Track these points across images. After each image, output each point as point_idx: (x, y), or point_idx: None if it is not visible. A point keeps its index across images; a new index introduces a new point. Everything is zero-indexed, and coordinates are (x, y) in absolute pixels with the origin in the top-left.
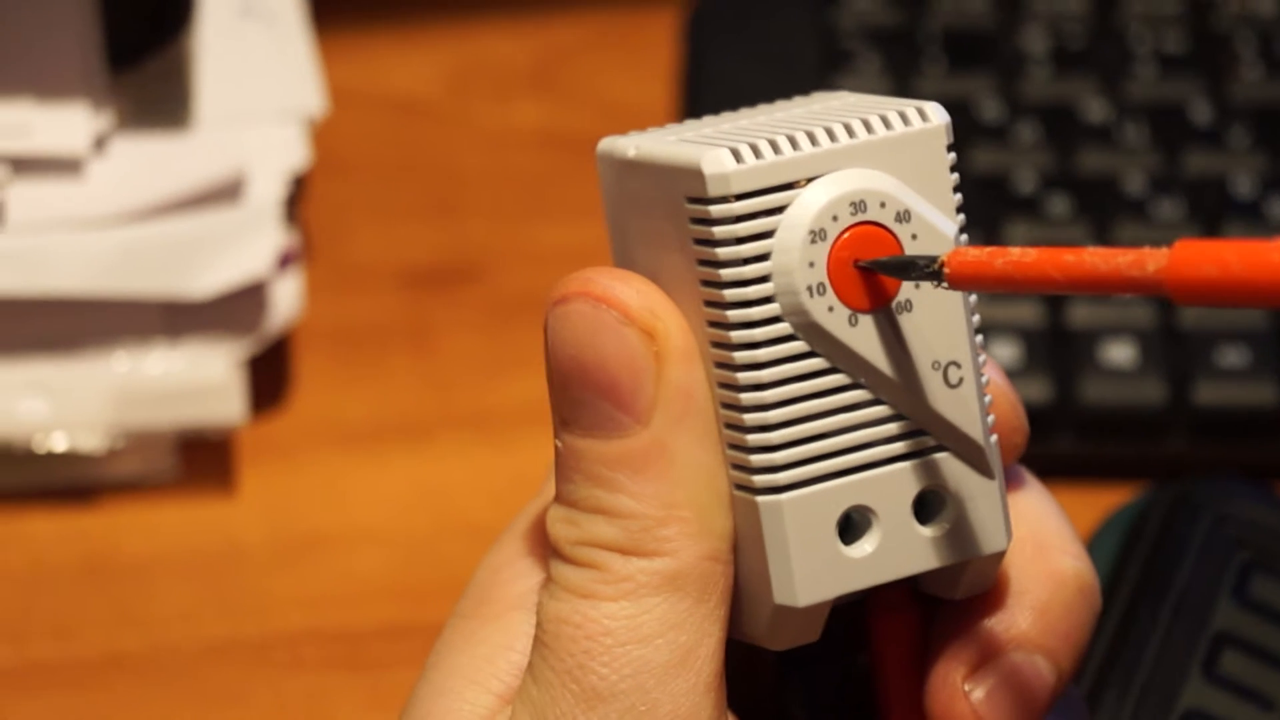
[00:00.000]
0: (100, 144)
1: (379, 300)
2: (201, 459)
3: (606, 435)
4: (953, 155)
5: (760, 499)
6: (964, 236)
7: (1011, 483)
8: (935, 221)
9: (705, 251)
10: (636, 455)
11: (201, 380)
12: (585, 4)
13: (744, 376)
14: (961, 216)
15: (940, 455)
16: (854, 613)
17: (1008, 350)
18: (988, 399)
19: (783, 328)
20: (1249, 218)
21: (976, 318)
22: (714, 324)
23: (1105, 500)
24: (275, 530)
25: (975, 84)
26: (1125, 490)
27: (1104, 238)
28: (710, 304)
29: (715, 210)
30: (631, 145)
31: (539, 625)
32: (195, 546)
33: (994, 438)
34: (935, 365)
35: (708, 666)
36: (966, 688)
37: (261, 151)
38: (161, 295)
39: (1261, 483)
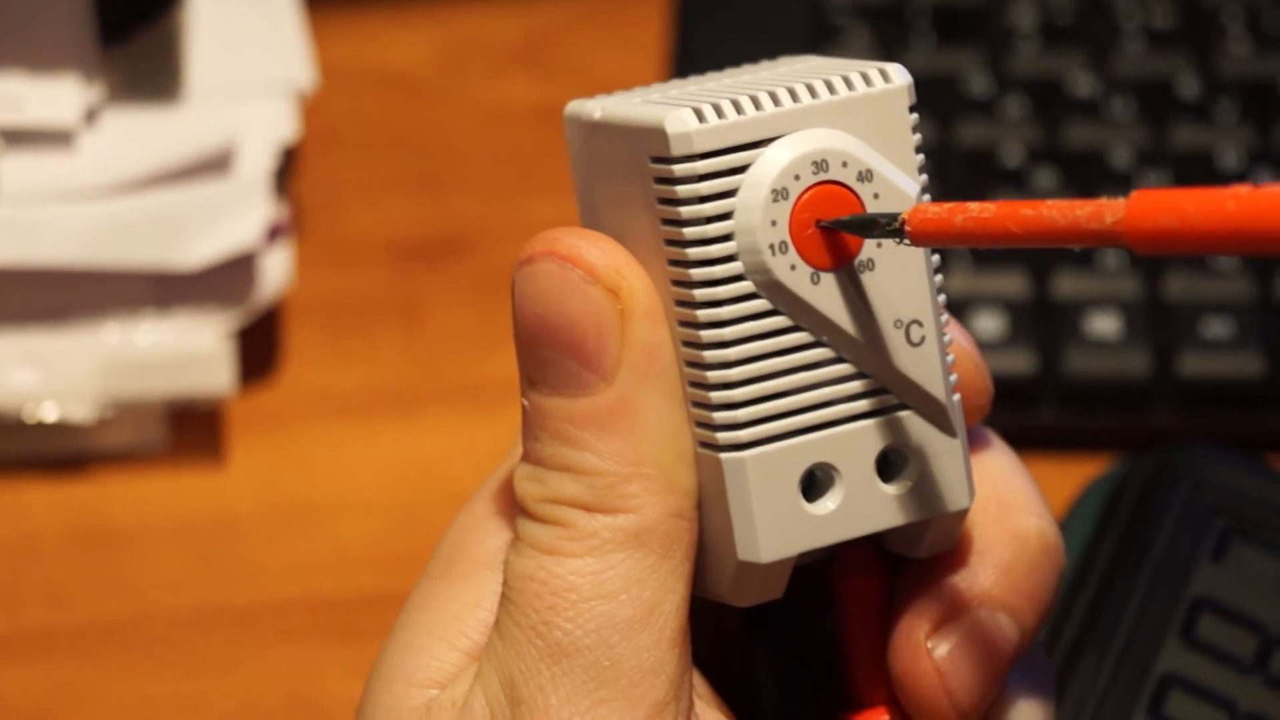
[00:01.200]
0: (91, 116)
1: (369, 274)
2: (191, 429)
3: (572, 393)
4: (914, 116)
5: (724, 456)
6: (926, 196)
7: (976, 443)
8: (897, 180)
9: (669, 211)
10: (601, 412)
11: (191, 351)
12: None
13: (707, 334)
14: (924, 176)
15: (903, 414)
16: (819, 572)
17: (993, 321)
18: (950, 358)
19: (745, 286)
20: None
21: (939, 277)
22: (678, 283)
23: (1090, 471)
24: (264, 500)
25: (963, 59)
26: (1110, 461)
27: None
28: (674, 263)
29: (678, 169)
30: (598, 107)
31: (505, 582)
32: (185, 516)
33: (957, 397)
34: (897, 324)
35: (671, 622)
36: (930, 645)
37: (251, 124)
38: (151, 266)
39: (1240, 450)
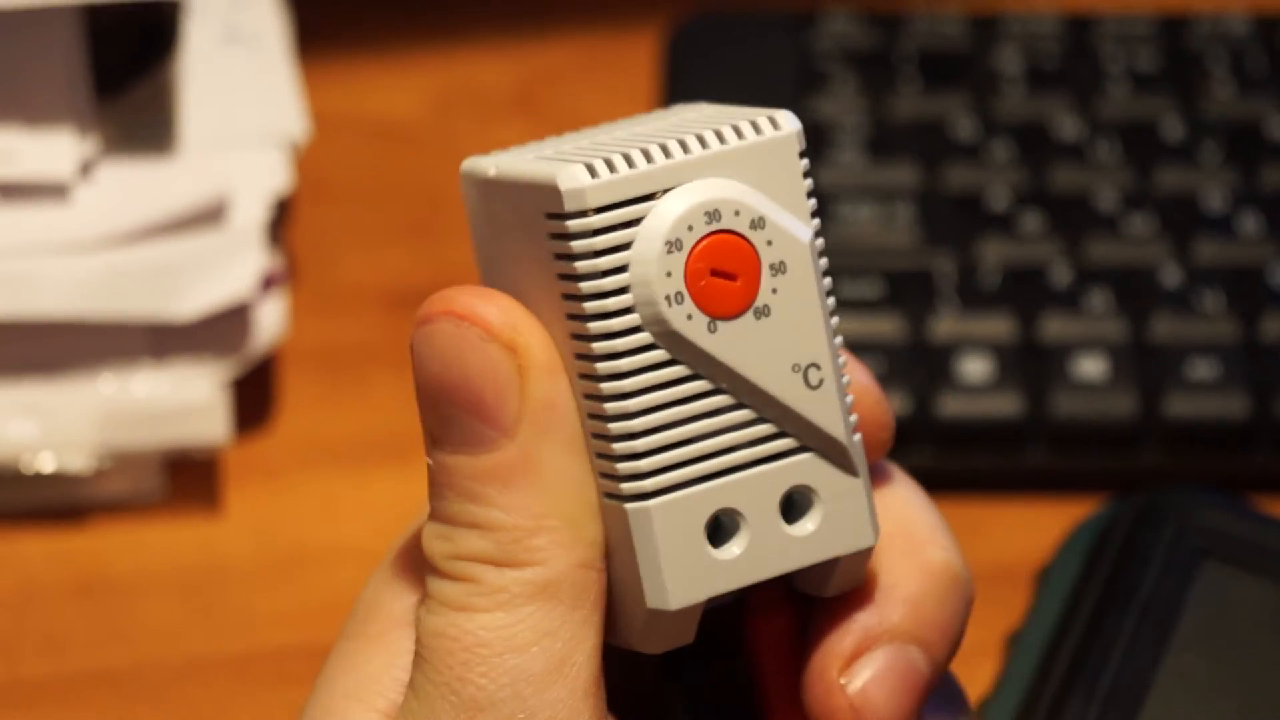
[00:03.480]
0: (86, 169)
1: (363, 321)
2: (187, 478)
3: (474, 450)
4: (805, 161)
5: (629, 505)
6: (820, 240)
7: (881, 478)
8: (790, 227)
9: (565, 266)
10: (504, 468)
11: (187, 401)
12: (567, 28)
13: (607, 386)
14: (816, 221)
15: (805, 455)
16: (730, 615)
17: (981, 365)
18: (849, 398)
19: (644, 337)
20: (1220, 233)
21: (835, 319)
22: (576, 336)
23: (1078, 512)
24: (260, 548)
25: (950, 103)
26: (1098, 503)
27: (1076, 254)
28: (572, 316)
29: (573, 225)
30: (492, 165)
31: (418, 640)
32: (182, 564)
33: (858, 436)
34: (795, 368)
35: (584, 672)
36: (842, 681)
37: (245, 175)
38: (147, 317)
39: (1226, 491)
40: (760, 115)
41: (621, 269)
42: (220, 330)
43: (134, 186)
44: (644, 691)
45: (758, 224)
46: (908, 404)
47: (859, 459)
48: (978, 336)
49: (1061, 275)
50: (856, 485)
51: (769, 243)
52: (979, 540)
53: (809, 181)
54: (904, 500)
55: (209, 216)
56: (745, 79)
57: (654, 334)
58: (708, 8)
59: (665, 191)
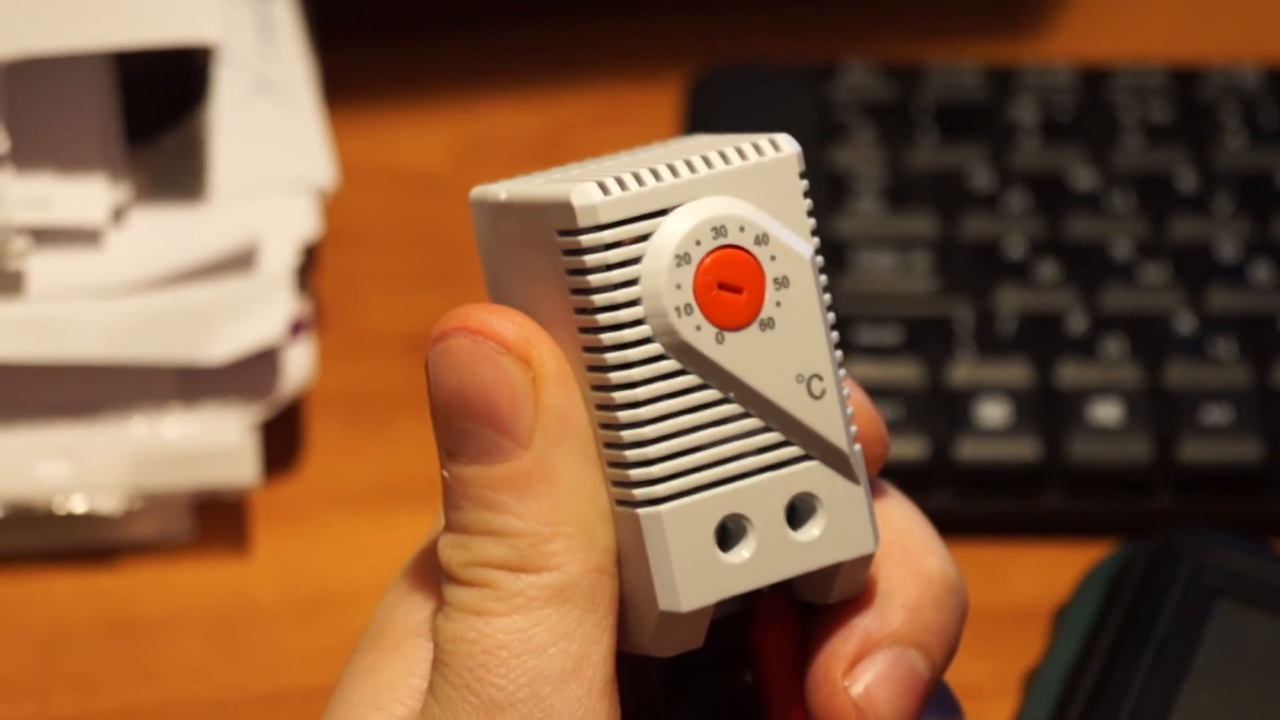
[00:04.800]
0: (118, 215)
1: (388, 366)
2: (216, 520)
3: (490, 460)
4: (805, 182)
5: (641, 511)
6: (819, 258)
7: (877, 492)
8: (792, 243)
9: (578, 280)
10: (520, 476)
11: (216, 444)
12: (588, 81)
13: (620, 395)
14: (816, 239)
15: (809, 464)
16: (736, 627)
17: (998, 410)
18: (850, 410)
19: (654, 348)
20: (1233, 281)
21: (835, 333)
22: (589, 349)
23: (1094, 555)
24: (288, 589)
25: (967, 154)
26: (1113, 545)
27: (1092, 302)
28: (585, 330)
29: (585, 240)
30: (503, 189)
31: (436, 646)
32: (210, 605)
33: (858, 446)
34: (799, 378)
35: (599, 673)
36: (845, 683)
37: (274, 222)
38: (177, 361)
39: (1240, 532)
40: (761, 138)
41: (633, 282)
42: (249, 374)
43: (165, 232)
44: (653, 704)
45: (762, 239)
46: (926, 448)
47: (859, 468)
48: (995, 382)
49: (1077, 322)
50: (858, 493)
51: (772, 258)
52: (998, 582)
53: (809, 201)
54: (900, 512)
55: (239, 262)
56: (765, 130)
57: (665, 345)
58: (728, 60)
59: (673, 209)
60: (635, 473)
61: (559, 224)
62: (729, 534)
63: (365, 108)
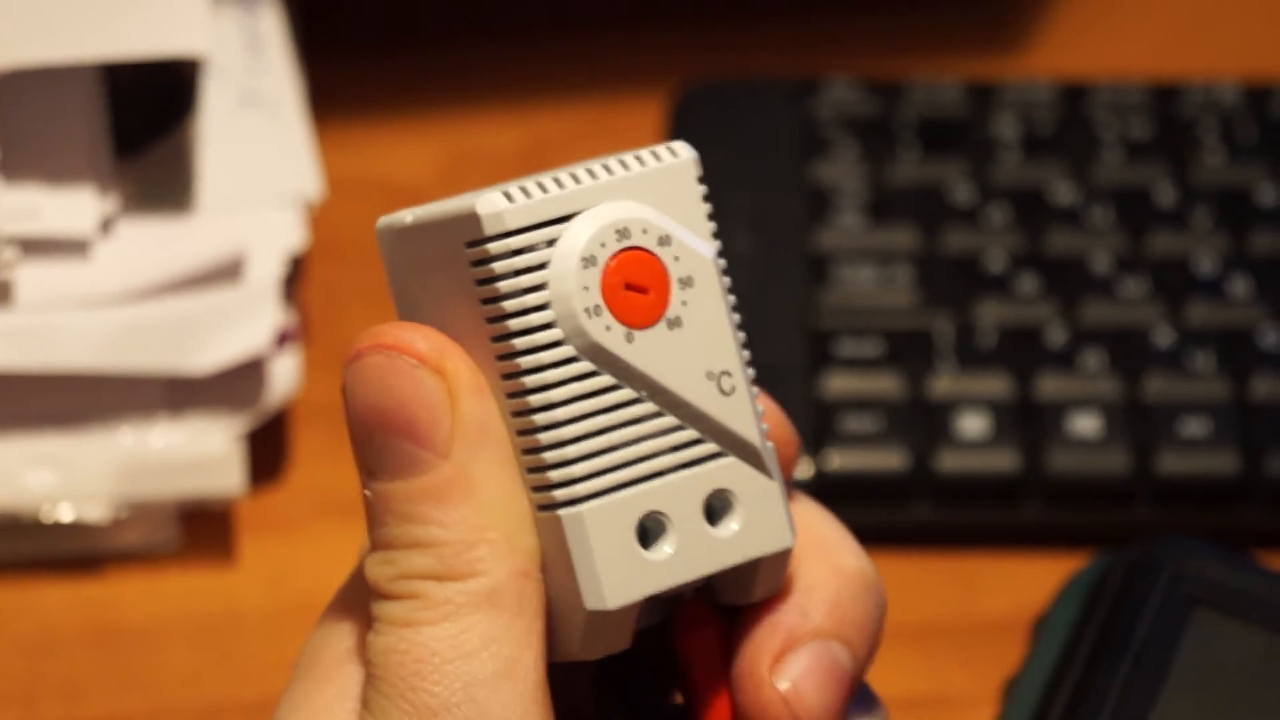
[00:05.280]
0: (106, 226)
1: None
2: (202, 529)
3: (411, 474)
4: (703, 186)
5: (563, 512)
6: (722, 260)
7: (790, 496)
8: (694, 244)
9: (488, 290)
10: (441, 487)
11: (202, 453)
12: (573, 95)
13: (536, 399)
14: (718, 241)
15: (724, 460)
16: (661, 636)
17: (978, 422)
18: (760, 408)
19: (567, 350)
20: (1211, 296)
21: (742, 333)
22: (503, 356)
23: (1072, 566)
24: (274, 598)
25: (948, 169)
26: (1091, 556)
27: (1071, 315)
28: (497, 338)
29: (493, 248)
30: (409, 214)
31: (369, 662)
32: (196, 613)
33: (770, 444)
34: (709, 375)
35: (531, 675)
36: (772, 678)
37: (261, 234)
38: (164, 371)
39: (1217, 542)
40: (660, 146)
41: (542, 286)
42: (236, 384)
43: (153, 243)
44: (581, 715)
45: (664, 241)
46: (907, 459)
47: (773, 463)
48: (975, 394)
49: (1057, 335)
50: (773, 488)
51: (676, 258)
52: (977, 592)
53: (708, 205)
54: (815, 513)
55: (226, 273)
56: (748, 145)
57: (577, 346)
58: (712, 75)
59: (577, 214)
60: (555, 474)
61: (466, 235)
62: (649, 533)
63: (352, 121)
